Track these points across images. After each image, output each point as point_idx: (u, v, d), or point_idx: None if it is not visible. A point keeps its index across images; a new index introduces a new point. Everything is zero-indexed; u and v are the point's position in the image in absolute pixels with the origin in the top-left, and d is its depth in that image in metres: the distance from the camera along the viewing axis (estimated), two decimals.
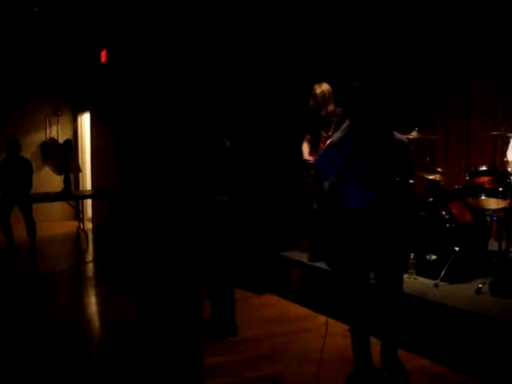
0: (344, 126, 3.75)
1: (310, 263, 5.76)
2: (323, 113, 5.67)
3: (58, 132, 12.72)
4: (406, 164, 3.68)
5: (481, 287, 4.55)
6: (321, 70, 7.35)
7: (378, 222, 3.56)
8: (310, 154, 5.82)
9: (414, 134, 5.46)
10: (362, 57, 7.95)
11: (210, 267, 4.83)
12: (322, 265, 5.66)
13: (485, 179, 4.86)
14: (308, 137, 5.90)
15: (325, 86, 5.69)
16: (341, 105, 4.80)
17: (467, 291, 4.61)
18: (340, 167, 3.68)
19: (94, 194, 10.57)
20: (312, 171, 5.77)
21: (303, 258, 5.99)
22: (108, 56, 10.85)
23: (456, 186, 5.17)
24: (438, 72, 7.24)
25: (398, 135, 3.68)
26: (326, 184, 5.67)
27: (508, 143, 5.19)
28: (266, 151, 7.77)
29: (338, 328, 4.96)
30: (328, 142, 5.34)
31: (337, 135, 3.79)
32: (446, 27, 7.04)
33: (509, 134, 5.36)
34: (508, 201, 4.71)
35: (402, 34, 7.51)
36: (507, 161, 5.50)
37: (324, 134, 5.68)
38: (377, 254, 3.63)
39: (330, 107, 5.66)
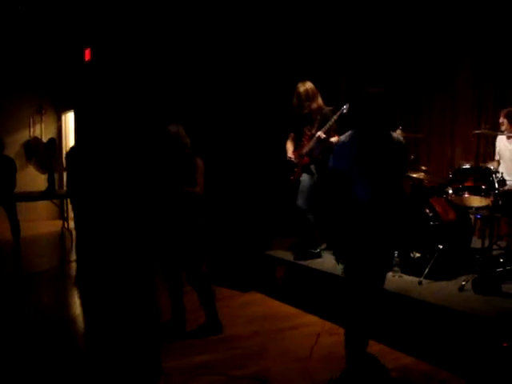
0: (349, 132, 3.84)
1: (296, 261, 5.78)
2: (306, 110, 5.70)
3: (41, 131, 12.63)
4: (403, 163, 3.83)
5: (464, 284, 4.59)
6: (304, 69, 7.37)
7: (381, 216, 3.66)
8: (294, 151, 5.86)
9: (398, 133, 5.48)
10: (344, 55, 7.99)
11: (180, 261, 4.83)
12: (307, 263, 5.67)
13: (468, 177, 4.91)
14: (292, 135, 5.94)
15: (308, 85, 5.72)
16: (352, 108, 4.80)
17: (451, 288, 4.65)
18: (345, 166, 3.76)
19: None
20: (296, 169, 5.80)
21: (288, 256, 6.00)
22: (92, 54, 10.80)
23: (439, 183, 5.23)
24: (422, 70, 7.30)
25: (395, 135, 3.81)
26: (304, 182, 5.71)
27: (494, 143, 5.26)
28: (249, 149, 7.78)
29: (324, 326, 5.00)
30: (333, 139, 5.45)
31: (343, 137, 3.86)
32: (429, 26, 7.09)
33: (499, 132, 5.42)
34: (491, 198, 4.76)
35: (387, 32, 7.56)
36: (497, 160, 5.58)
37: (308, 132, 5.73)
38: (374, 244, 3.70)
39: (314, 105, 5.69)
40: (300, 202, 5.75)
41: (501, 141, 5.79)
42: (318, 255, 5.81)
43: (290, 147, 5.94)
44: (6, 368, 4.21)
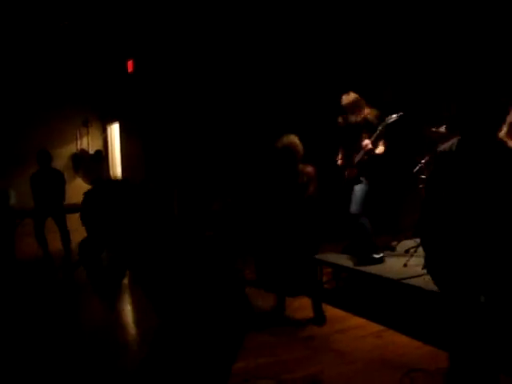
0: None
1: (356, 267, 5.73)
2: (352, 122, 5.71)
3: (88, 143, 12.91)
4: None
5: None
6: (351, 78, 7.37)
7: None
8: (343, 164, 5.92)
9: (442, 130, 5.47)
10: (389, 63, 7.93)
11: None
12: (366, 268, 5.62)
13: None
14: (342, 149, 6.00)
15: (351, 97, 5.71)
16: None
17: None
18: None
19: None
20: (346, 175, 5.83)
21: (337, 259, 6.01)
22: (134, 66, 10.98)
23: None
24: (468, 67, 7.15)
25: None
26: (357, 189, 5.69)
27: None
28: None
29: (372, 329, 4.98)
30: (379, 150, 5.46)
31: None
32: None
33: None
34: None
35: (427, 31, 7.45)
36: None
37: (355, 144, 5.73)
38: None
39: (359, 117, 5.69)
40: (353, 208, 5.69)
41: None
42: (381, 260, 5.72)
43: (341, 155, 6.00)
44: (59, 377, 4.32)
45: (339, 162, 6.00)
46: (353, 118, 5.73)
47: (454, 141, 3.47)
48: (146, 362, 2.62)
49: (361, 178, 5.73)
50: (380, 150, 5.63)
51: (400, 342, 4.63)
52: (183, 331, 2.55)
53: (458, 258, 3.36)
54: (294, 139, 5.20)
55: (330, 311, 5.57)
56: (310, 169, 5.23)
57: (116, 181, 3.02)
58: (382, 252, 5.78)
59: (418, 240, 5.68)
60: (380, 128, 5.54)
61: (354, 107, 5.69)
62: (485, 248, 3.30)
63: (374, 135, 5.58)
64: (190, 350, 2.54)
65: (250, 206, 5.61)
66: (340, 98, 5.82)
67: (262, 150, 6.82)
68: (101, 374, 4.34)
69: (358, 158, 5.74)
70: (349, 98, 5.73)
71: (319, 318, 5.25)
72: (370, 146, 5.58)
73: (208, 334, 2.54)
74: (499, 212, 3.29)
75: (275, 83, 8.72)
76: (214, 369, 2.60)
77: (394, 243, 6.41)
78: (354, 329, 5.04)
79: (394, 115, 5.49)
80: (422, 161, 5.94)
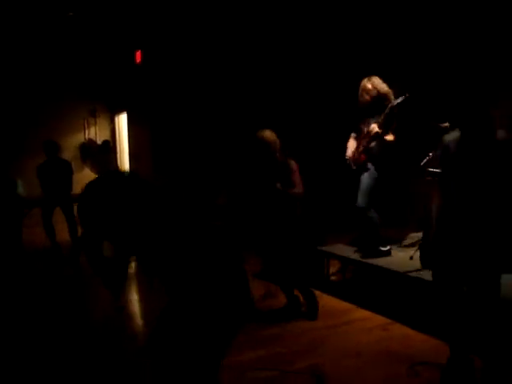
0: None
1: (363, 260, 5.69)
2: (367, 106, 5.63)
3: (96, 133, 12.92)
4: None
5: None
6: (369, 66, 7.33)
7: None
8: (354, 151, 5.80)
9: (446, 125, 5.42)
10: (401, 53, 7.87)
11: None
12: (372, 261, 5.60)
13: None
14: (354, 135, 5.86)
15: (372, 81, 5.56)
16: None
17: None
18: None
19: None
20: (354, 167, 5.77)
21: (345, 252, 6.02)
22: (143, 57, 10.97)
23: None
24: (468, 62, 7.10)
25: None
26: (363, 181, 5.64)
27: None
28: (307, 147, 7.81)
29: (378, 321, 4.97)
30: (388, 137, 5.42)
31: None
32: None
33: None
34: None
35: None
36: None
37: (364, 130, 5.65)
38: None
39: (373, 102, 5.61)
40: (360, 200, 5.61)
41: None
42: (388, 253, 5.69)
43: (350, 146, 5.86)
44: (67, 366, 4.34)
45: (349, 151, 5.86)
46: (367, 104, 5.62)
47: (457, 133, 3.56)
48: (152, 337, 2.68)
49: (368, 166, 5.62)
50: (390, 137, 5.48)
51: (406, 335, 4.62)
52: (186, 311, 2.59)
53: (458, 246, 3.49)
54: (266, 132, 5.19)
55: (337, 303, 5.58)
56: (290, 162, 5.20)
57: (119, 173, 3.02)
58: (389, 245, 5.76)
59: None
60: (386, 111, 5.43)
61: (372, 92, 5.57)
62: (482, 240, 3.43)
63: (381, 119, 5.47)
64: (190, 330, 2.59)
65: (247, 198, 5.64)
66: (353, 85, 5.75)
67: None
68: (106, 362, 4.35)
69: (365, 143, 5.66)
70: (368, 81, 5.57)
71: (311, 313, 5.21)
72: (376, 129, 5.44)
73: (208, 317, 2.58)
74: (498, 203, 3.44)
75: (281, 74, 8.69)
76: (209, 348, 2.64)
77: (403, 236, 6.41)
78: (359, 321, 5.04)
79: (399, 98, 5.38)
80: (430, 153, 5.89)
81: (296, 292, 5.33)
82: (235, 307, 2.65)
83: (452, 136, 3.61)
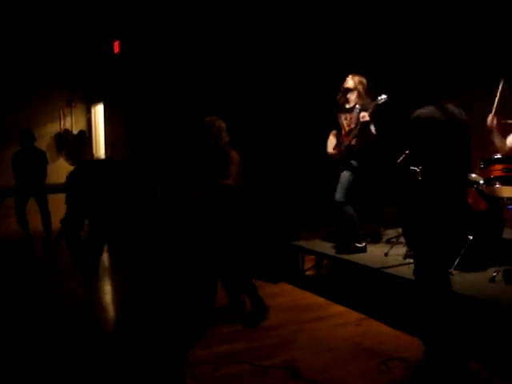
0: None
1: (338, 255, 5.70)
2: (348, 104, 5.69)
3: (71, 123, 12.80)
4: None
5: (495, 276, 4.53)
6: (340, 60, 7.35)
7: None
8: (335, 147, 5.84)
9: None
10: (373, 44, 7.90)
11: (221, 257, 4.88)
12: (348, 257, 5.61)
13: (499, 167, 4.83)
14: (334, 132, 5.90)
15: (356, 79, 5.64)
16: None
17: (481, 280, 4.60)
18: None
19: None
20: (336, 163, 5.79)
21: (320, 247, 6.03)
22: (121, 47, 10.87)
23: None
24: (460, 60, 7.17)
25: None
26: (343, 176, 5.66)
27: None
28: (284, 143, 7.79)
29: (352, 317, 5.00)
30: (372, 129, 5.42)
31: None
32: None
33: None
34: None
35: (417, 19, 7.45)
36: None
37: (346, 127, 5.68)
38: None
39: (356, 99, 5.65)
40: (338, 195, 5.62)
41: None
42: (363, 249, 5.71)
43: (330, 143, 5.90)
44: (36, 357, 4.29)
45: (330, 147, 5.89)
46: (349, 101, 5.68)
47: (431, 108, 3.62)
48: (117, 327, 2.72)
49: (350, 162, 5.64)
50: (373, 130, 5.54)
51: (379, 331, 4.65)
52: (150, 303, 2.63)
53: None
54: (210, 118, 5.02)
55: (311, 298, 5.59)
56: (232, 152, 5.00)
57: (99, 160, 3.11)
58: (365, 241, 5.79)
59: (400, 230, 5.73)
60: (369, 110, 5.46)
61: (355, 89, 5.63)
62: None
63: (371, 109, 5.47)
64: (155, 321, 2.62)
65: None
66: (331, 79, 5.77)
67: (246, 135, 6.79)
68: (77, 350, 4.31)
69: (348, 141, 5.68)
70: (352, 79, 5.65)
71: (252, 319, 4.93)
72: (367, 117, 5.43)
73: (173, 308, 2.62)
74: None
75: (262, 68, 8.67)
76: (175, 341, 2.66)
77: (381, 231, 6.46)
78: (334, 316, 5.06)
79: (384, 96, 5.43)
80: (407, 151, 5.94)
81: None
82: (202, 300, 2.69)
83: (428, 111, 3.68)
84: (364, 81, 5.67)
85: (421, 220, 3.71)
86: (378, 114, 5.54)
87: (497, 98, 5.03)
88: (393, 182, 6.60)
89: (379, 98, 5.45)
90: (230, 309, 5.09)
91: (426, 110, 3.65)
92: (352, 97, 5.67)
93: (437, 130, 3.62)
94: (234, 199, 4.97)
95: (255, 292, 4.99)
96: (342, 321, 4.92)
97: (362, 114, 5.48)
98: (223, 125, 5.04)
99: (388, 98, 5.42)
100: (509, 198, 4.93)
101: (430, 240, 3.65)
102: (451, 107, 3.68)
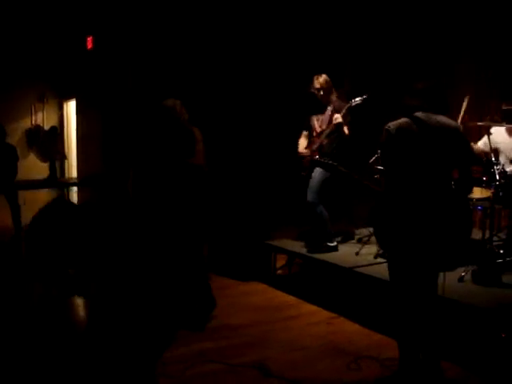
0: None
1: (310, 254, 5.73)
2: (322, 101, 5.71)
3: (43, 119, 12.65)
4: None
5: (463, 275, 4.60)
6: (313, 60, 7.40)
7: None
8: (306, 147, 5.86)
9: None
10: (349, 44, 7.97)
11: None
12: (319, 256, 5.64)
13: None
14: (305, 133, 5.93)
15: (323, 78, 5.66)
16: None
17: (450, 279, 4.64)
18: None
19: (80, 182, 10.52)
20: (306, 164, 5.81)
21: (294, 246, 6.05)
22: (94, 43, 10.78)
23: None
24: (423, 58, 7.28)
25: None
26: (314, 177, 5.68)
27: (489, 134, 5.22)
28: (256, 142, 7.81)
29: (323, 316, 5.03)
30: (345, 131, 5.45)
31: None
32: (432, 15, 7.07)
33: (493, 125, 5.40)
34: (492, 190, 4.76)
35: (390, 20, 7.54)
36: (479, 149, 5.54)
37: (318, 128, 5.71)
38: None
39: (326, 98, 5.69)
40: (309, 196, 5.68)
41: (499, 133, 5.73)
42: (335, 249, 5.76)
43: (301, 143, 5.94)
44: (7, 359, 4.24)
45: (301, 147, 5.93)
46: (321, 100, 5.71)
47: (405, 119, 3.64)
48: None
49: (323, 160, 5.64)
50: (346, 132, 5.57)
51: (350, 330, 4.69)
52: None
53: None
54: (168, 100, 4.91)
55: (283, 297, 5.61)
56: (195, 130, 4.89)
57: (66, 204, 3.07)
58: (336, 240, 5.83)
59: (371, 229, 5.78)
60: (343, 111, 5.51)
61: (324, 89, 5.66)
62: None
63: (344, 111, 5.52)
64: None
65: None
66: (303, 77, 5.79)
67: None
68: (45, 349, 4.27)
69: (319, 142, 5.70)
70: (319, 78, 5.67)
71: (198, 323, 4.79)
72: (339, 119, 5.47)
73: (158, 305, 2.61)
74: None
75: (236, 64, 8.67)
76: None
77: (354, 231, 6.51)
78: (305, 315, 5.09)
79: (358, 98, 5.48)
80: (379, 151, 6.00)
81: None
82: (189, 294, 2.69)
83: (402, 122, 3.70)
84: (329, 80, 5.69)
85: (389, 222, 3.74)
86: (352, 115, 5.59)
87: (461, 112, 5.21)
88: (363, 182, 6.66)
89: (353, 100, 5.51)
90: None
91: (398, 121, 3.70)
92: (321, 97, 5.70)
93: (402, 143, 3.66)
94: (203, 179, 4.85)
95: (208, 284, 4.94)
96: (313, 320, 4.95)
97: (335, 115, 5.53)
98: (178, 102, 4.92)
99: (362, 100, 5.48)
100: (478, 199, 5.01)
101: (398, 241, 3.69)
102: (432, 118, 3.68)
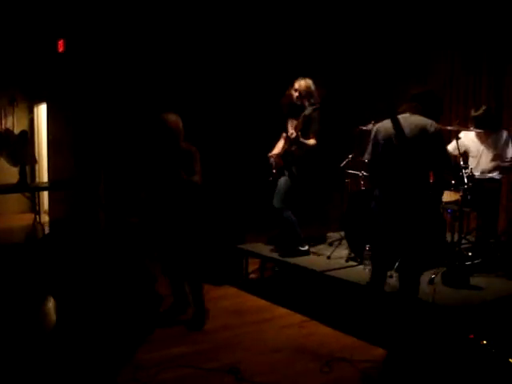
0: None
1: (282, 258, 5.74)
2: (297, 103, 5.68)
3: (13, 123, 12.47)
4: None
5: (433, 277, 4.66)
6: (295, 68, 7.44)
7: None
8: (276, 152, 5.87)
9: (370, 127, 5.60)
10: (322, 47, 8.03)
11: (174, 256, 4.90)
12: (291, 260, 5.65)
13: None
14: (285, 135, 5.88)
15: (303, 83, 5.65)
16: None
17: (421, 281, 4.71)
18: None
19: (51, 186, 10.40)
20: (273, 170, 5.81)
21: (264, 250, 6.07)
22: (65, 46, 10.68)
23: None
24: (398, 60, 7.37)
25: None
26: (280, 183, 5.70)
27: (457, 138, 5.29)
28: (229, 146, 7.81)
29: (295, 319, 5.05)
30: (310, 142, 5.48)
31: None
32: (409, 16, 7.16)
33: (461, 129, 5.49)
34: (460, 193, 4.84)
35: (365, 21, 7.61)
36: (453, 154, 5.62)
37: (287, 133, 5.71)
38: None
39: (299, 103, 5.68)
40: (275, 201, 5.69)
41: (469, 138, 5.82)
42: (307, 253, 5.78)
43: (278, 145, 5.92)
44: None
45: (274, 150, 5.91)
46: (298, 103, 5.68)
47: (387, 120, 3.98)
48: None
49: (292, 169, 5.67)
50: (311, 141, 5.59)
51: (322, 332, 4.72)
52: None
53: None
54: (169, 116, 4.86)
55: (255, 301, 5.62)
56: (193, 149, 4.87)
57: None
58: (308, 244, 5.86)
59: (343, 233, 5.83)
60: (298, 124, 5.53)
61: (301, 93, 5.63)
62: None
63: (298, 123, 5.54)
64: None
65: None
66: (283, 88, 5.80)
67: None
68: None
69: (284, 148, 5.73)
70: (299, 83, 5.64)
71: (195, 322, 4.90)
72: (294, 134, 5.50)
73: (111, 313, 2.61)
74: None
75: (209, 74, 8.68)
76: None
77: (326, 234, 6.56)
78: (277, 319, 5.10)
79: (310, 108, 5.49)
80: (350, 155, 6.06)
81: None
82: (141, 303, 2.69)
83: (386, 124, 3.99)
84: (310, 86, 5.65)
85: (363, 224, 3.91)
86: (318, 120, 5.60)
87: None
88: (335, 186, 6.72)
89: (307, 110, 5.51)
90: (173, 310, 5.05)
91: (381, 123, 4.07)
92: (299, 101, 5.67)
93: (380, 142, 3.99)
94: (199, 196, 4.92)
95: (201, 294, 4.98)
96: (286, 323, 4.96)
97: (290, 131, 5.57)
98: (179, 118, 4.90)
99: (314, 109, 5.48)
100: (447, 202, 5.10)
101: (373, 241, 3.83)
102: (411, 120, 3.88)
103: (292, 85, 5.70)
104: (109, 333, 2.61)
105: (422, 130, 3.81)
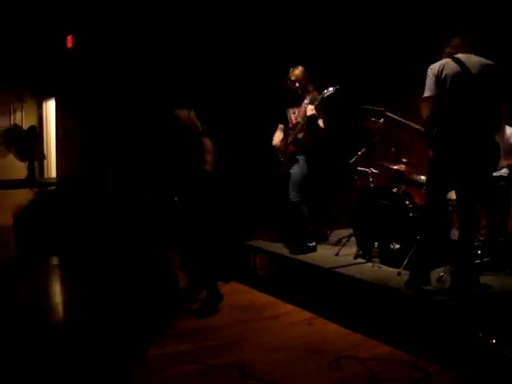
0: None
1: (292, 256, 5.69)
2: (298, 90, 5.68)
3: (22, 119, 12.50)
4: None
5: (442, 276, 4.63)
6: (293, 58, 7.41)
7: None
8: (281, 140, 5.84)
9: (380, 122, 5.59)
10: (327, 37, 7.99)
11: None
12: (299, 256, 5.62)
13: None
14: (281, 126, 5.90)
15: (299, 70, 5.66)
16: None
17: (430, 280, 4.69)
18: None
19: (59, 182, 10.42)
20: (282, 159, 5.78)
21: (272, 247, 6.05)
22: (74, 42, 10.69)
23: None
24: (406, 53, 7.32)
25: None
26: (294, 174, 5.66)
27: None
28: (236, 140, 7.78)
29: (303, 316, 5.03)
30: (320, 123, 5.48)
31: None
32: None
33: None
34: None
35: (372, 13, 7.57)
36: None
37: (294, 120, 5.71)
38: None
39: (302, 90, 5.67)
40: (292, 194, 5.63)
41: None
42: (314, 249, 5.75)
43: (276, 136, 5.90)
44: None
45: (276, 140, 5.90)
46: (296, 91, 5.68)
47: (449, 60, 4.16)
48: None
49: (297, 157, 5.64)
50: (321, 125, 5.57)
51: (330, 330, 4.70)
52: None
53: None
54: (181, 111, 5.18)
55: (262, 298, 5.61)
56: (204, 140, 5.16)
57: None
58: (315, 241, 5.83)
59: (351, 230, 5.80)
60: (316, 102, 5.49)
61: (300, 80, 5.64)
62: None
63: (316, 102, 5.49)
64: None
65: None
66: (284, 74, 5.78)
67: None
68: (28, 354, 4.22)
69: (294, 134, 5.68)
70: (295, 70, 5.65)
71: (202, 310, 5.08)
72: (313, 111, 5.44)
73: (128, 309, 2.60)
74: None
75: (217, 63, 8.68)
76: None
77: (328, 232, 6.53)
78: (285, 316, 5.09)
79: (331, 88, 5.44)
80: (359, 152, 6.03)
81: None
82: (158, 297, 2.67)
83: None
84: (305, 72, 5.68)
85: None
86: (327, 108, 5.57)
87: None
88: (343, 182, 6.67)
89: (326, 90, 5.46)
90: (187, 295, 5.20)
91: (439, 62, 4.21)
92: (300, 90, 5.66)
93: (447, 78, 4.13)
94: (210, 184, 5.12)
95: (215, 280, 5.08)
96: (293, 320, 4.95)
97: (309, 107, 5.49)
98: (192, 113, 5.20)
99: (334, 90, 5.42)
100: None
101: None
102: (475, 59, 4.13)
103: (288, 77, 5.69)
104: (129, 327, 2.61)
105: (488, 68, 4.04)
